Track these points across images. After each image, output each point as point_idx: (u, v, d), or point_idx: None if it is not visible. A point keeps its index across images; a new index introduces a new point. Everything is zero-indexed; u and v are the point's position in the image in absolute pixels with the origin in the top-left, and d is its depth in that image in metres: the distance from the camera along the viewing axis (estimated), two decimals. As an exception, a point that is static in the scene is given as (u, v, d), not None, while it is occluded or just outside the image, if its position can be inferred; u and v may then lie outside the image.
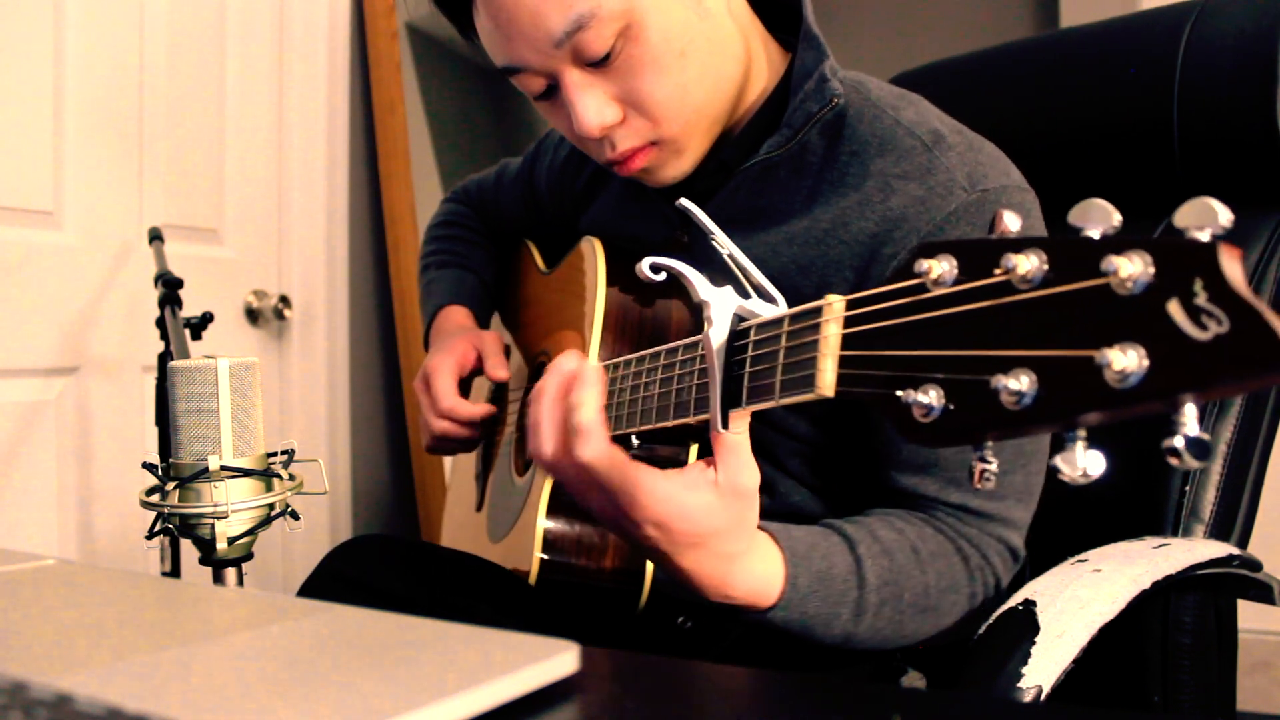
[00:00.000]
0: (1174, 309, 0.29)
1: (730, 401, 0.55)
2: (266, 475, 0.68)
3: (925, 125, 0.79)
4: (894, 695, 0.51)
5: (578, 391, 0.60)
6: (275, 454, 0.70)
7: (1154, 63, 0.99)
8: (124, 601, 0.50)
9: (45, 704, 0.31)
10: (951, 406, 0.37)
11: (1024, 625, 0.67)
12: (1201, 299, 0.29)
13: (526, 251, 1.14)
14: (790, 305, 0.54)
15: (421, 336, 1.16)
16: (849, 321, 0.45)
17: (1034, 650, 0.65)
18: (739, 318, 0.56)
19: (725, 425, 0.56)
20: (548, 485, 0.80)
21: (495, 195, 1.20)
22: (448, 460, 1.89)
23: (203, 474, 0.65)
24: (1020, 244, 0.35)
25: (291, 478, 0.70)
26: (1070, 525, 0.97)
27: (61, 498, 1.49)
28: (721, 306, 0.56)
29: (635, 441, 0.75)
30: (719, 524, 0.60)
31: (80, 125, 1.49)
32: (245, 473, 0.66)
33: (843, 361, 0.45)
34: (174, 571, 1.05)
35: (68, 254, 1.48)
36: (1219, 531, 0.90)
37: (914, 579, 0.71)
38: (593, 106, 0.76)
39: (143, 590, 0.53)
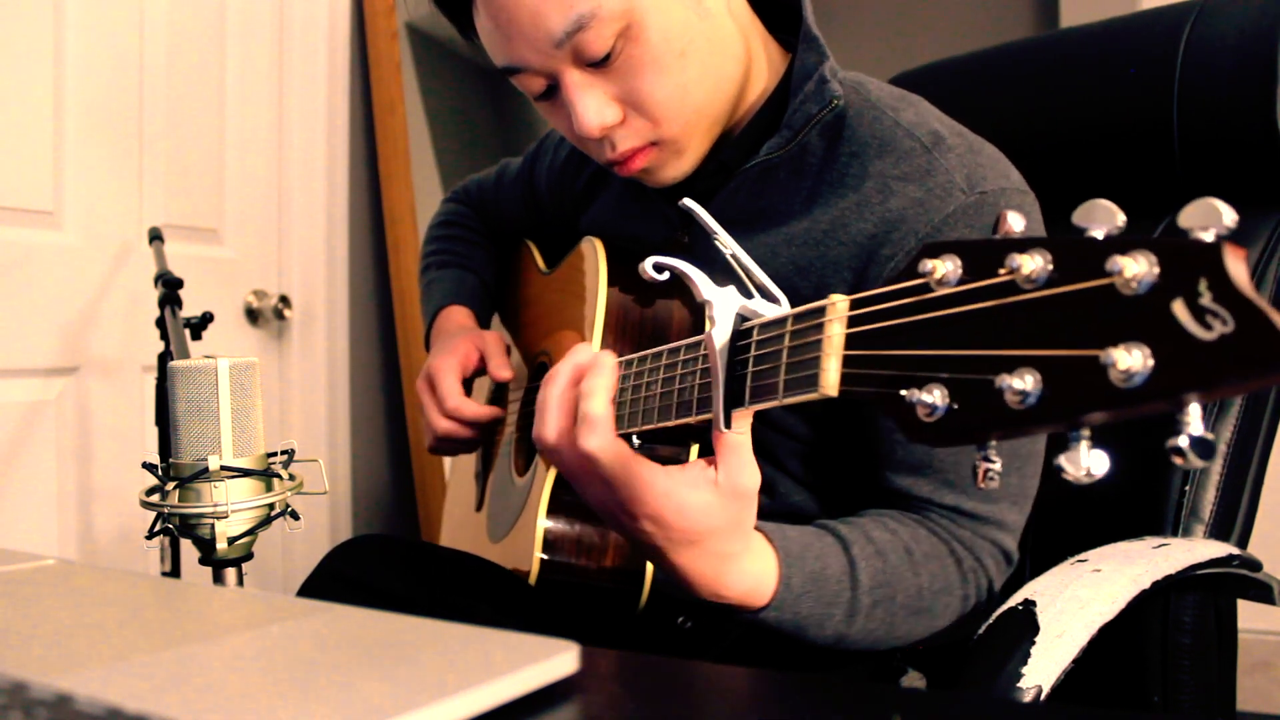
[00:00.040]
0: (1179, 309, 0.29)
1: (733, 401, 0.55)
2: (266, 475, 0.68)
3: (925, 127, 0.79)
4: (894, 695, 0.51)
5: (590, 380, 0.60)
6: (275, 454, 0.70)
7: (1154, 63, 0.99)
8: (124, 601, 0.50)
9: (45, 704, 0.30)
10: (956, 406, 0.36)
11: (1024, 625, 0.67)
12: (1206, 299, 0.29)
13: (527, 251, 1.14)
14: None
15: (422, 336, 1.16)
16: (853, 321, 0.45)
17: (1034, 650, 0.65)
18: (742, 317, 0.56)
19: (728, 425, 0.56)
20: (548, 485, 0.80)
21: (495, 195, 1.20)
22: (447, 460, 1.89)
23: (203, 474, 0.65)
24: (1025, 244, 0.34)
25: (291, 478, 0.70)
26: (1070, 525, 0.97)
27: (61, 498, 1.49)
28: (724, 306, 0.56)
29: (636, 441, 0.75)
30: (716, 523, 0.60)
31: (80, 125, 1.49)
32: (245, 473, 0.66)
33: (847, 361, 0.45)
34: (174, 571, 1.05)
35: (68, 254, 1.48)
36: (1219, 531, 0.90)
37: (907, 580, 0.71)
38: (593, 107, 0.76)
39: (143, 590, 0.53)
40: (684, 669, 0.46)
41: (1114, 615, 0.69)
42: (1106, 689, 0.87)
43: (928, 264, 0.38)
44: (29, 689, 0.32)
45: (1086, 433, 0.33)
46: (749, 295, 0.57)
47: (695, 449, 0.78)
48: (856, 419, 0.79)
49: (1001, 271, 0.35)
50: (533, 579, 0.78)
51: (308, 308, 1.93)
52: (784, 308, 0.56)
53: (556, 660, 0.39)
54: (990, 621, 0.70)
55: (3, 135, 1.39)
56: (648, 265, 0.60)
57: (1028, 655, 0.65)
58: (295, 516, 0.70)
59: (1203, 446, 0.30)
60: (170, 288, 1.05)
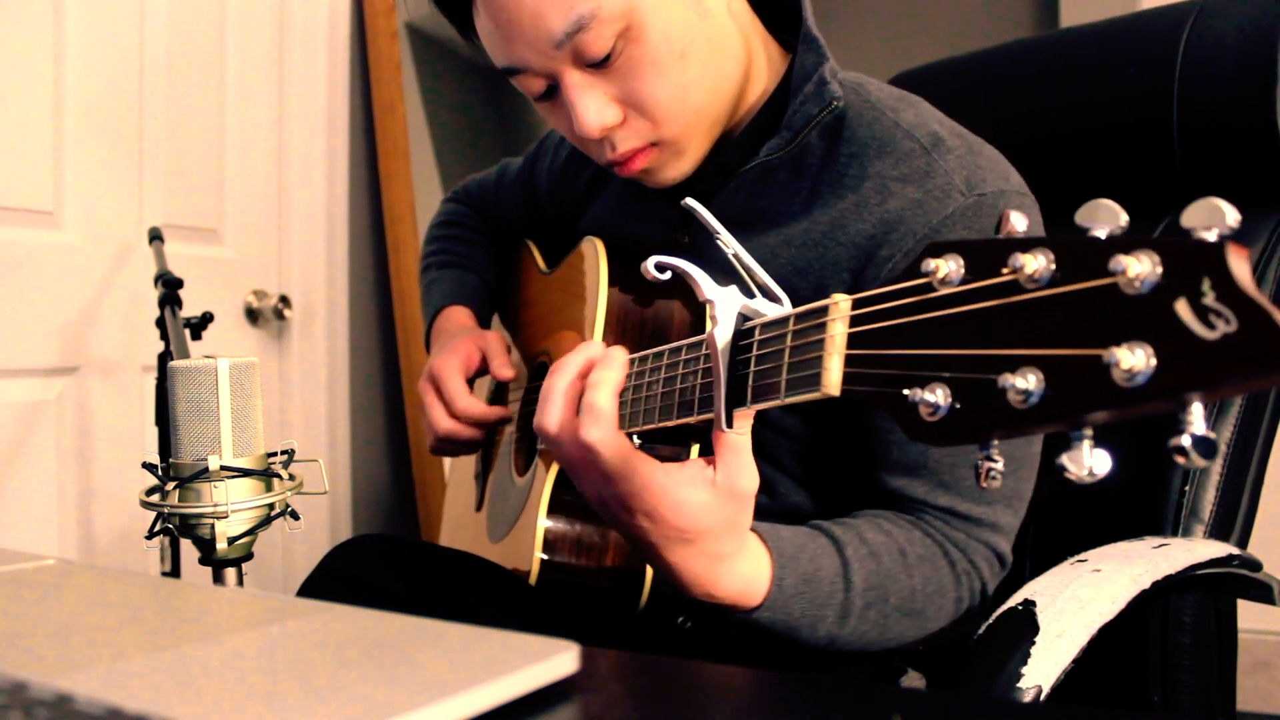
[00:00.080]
0: (1182, 308, 0.29)
1: (735, 400, 0.55)
2: (266, 475, 0.68)
3: (924, 128, 0.79)
4: (894, 695, 0.51)
5: (599, 371, 0.60)
6: (275, 454, 0.70)
7: (1154, 63, 0.99)
8: (124, 601, 0.50)
9: (45, 704, 0.30)
10: (958, 405, 0.36)
11: (1024, 625, 0.67)
12: (1209, 299, 0.29)
13: (527, 251, 1.14)
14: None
15: (422, 336, 1.16)
16: (855, 320, 0.45)
17: (1034, 650, 0.65)
18: (743, 317, 0.56)
19: (730, 424, 0.56)
20: (548, 485, 0.80)
21: (496, 195, 1.20)
22: (447, 460, 1.89)
23: (203, 474, 0.65)
24: (1028, 244, 0.34)
25: (291, 478, 0.70)
26: (1070, 525, 0.97)
27: (61, 498, 1.49)
28: (726, 305, 0.56)
29: (637, 441, 0.75)
30: (711, 523, 0.60)
31: (80, 125, 1.49)
32: (245, 473, 0.66)
33: (849, 360, 0.45)
34: (174, 571, 1.05)
35: (68, 254, 1.48)
36: (1219, 531, 0.90)
37: (900, 582, 0.71)
38: (593, 108, 0.76)
39: (143, 590, 0.53)
40: (684, 669, 0.46)
41: (1114, 615, 0.69)
42: (1106, 689, 0.87)
43: (930, 263, 0.38)
44: (29, 689, 0.32)
45: (1089, 432, 0.33)
46: (750, 295, 0.57)
47: (695, 449, 0.78)
48: (853, 419, 0.79)
49: (1004, 271, 0.35)
50: (533, 579, 0.78)
51: (308, 308, 1.93)
52: (786, 307, 0.56)
53: (556, 660, 0.39)
54: (990, 621, 0.70)
55: (3, 135, 1.39)
56: (650, 265, 0.60)
57: (1028, 655, 0.65)
58: (295, 516, 0.70)
59: (1205, 446, 0.30)
60: (170, 288, 1.05)
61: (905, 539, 0.73)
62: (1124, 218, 0.33)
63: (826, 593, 0.68)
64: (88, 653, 0.40)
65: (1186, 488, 0.91)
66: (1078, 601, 0.69)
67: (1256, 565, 0.84)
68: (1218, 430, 0.92)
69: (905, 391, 0.39)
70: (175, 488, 0.65)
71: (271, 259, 1.89)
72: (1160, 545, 0.81)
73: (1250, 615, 1.03)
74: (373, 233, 2.07)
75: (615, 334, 0.83)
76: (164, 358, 1.09)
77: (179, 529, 0.66)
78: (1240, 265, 0.29)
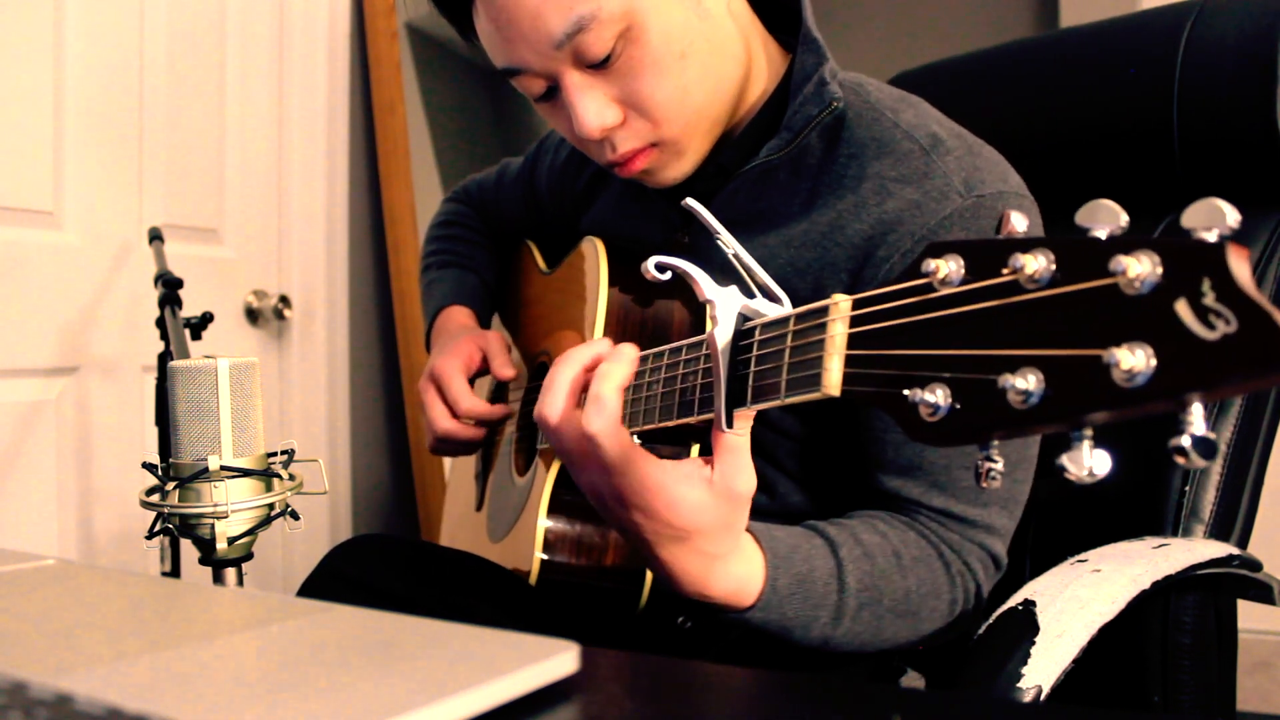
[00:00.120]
0: (1182, 309, 0.29)
1: (735, 400, 0.55)
2: (266, 475, 0.68)
3: (924, 129, 0.79)
4: (894, 695, 0.51)
5: (607, 364, 0.60)
6: (275, 454, 0.70)
7: (1154, 63, 0.99)
8: (124, 601, 0.50)
9: (45, 704, 0.30)
10: (958, 406, 0.36)
11: (1024, 625, 0.67)
12: (1210, 299, 0.29)
13: (527, 251, 1.14)
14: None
15: (422, 336, 1.16)
16: (855, 321, 0.45)
17: (1034, 650, 0.65)
18: (744, 317, 0.56)
19: (730, 424, 0.56)
20: (548, 485, 0.80)
21: (496, 195, 1.20)
22: (448, 460, 1.89)
23: (203, 474, 0.65)
24: (1028, 244, 0.34)
25: (291, 478, 0.70)
26: (1070, 525, 0.97)
27: (61, 498, 1.49)
28: (727, 305, 0.56)
29: (636, 441, 0.75)
30: (706, 522, 0.60)
31: (80, 125, 1.49)
32: (245, 473, 0.66)
33: (849, 361, 0.45)
34: (174, 571, 1.05)
35: (68, 254, 1.48)
36: (1219, 531, 0.90)
37: (895, 584, 0.71)
38: (593, 108, 0.76)
39: (143, 590, 0.53)
40: (684, 669, 0.46)
41: (1114, 615, 0.69)
42: (1106, 689, 0.87)
43: (930, 264, 0.38)
44: (29, 689, 0.32)
45: (1089, 432, 0.33)
46: (750, 295, 0.57)
47: (695, 449, 0.78)
48: (850, 419, 0.79)
49: (1005, 271, 0.35)
50: (533, 579, 0.78)
51: (308, 308, 1.93)
52: (786, 307, 0.56)
53: (556, 660, 0.39)
54: (990, 621, 0.70)
55: (3, 135, 1.39)
56: (650, 265, 0.60)
57: (1028, 655, 0.65)
58: (295, 516, 0.70)
59: (1205, 446, 0.30)
60: (170, 288, 1.05)
61: (900, 540, 0.73)
62: (1124, 218, 0.33)
63: (820, 594, 0.68)
64: (88, 653, 0.40)
65: (1186, 488, 0.91)
66: (1078, 601, 0.69)
67: (1256, 565, 0.84)
68: (1218, 430, 0.92)
69: (905, 392, 0.39)
70: (175, 488, 0.65)
71: (271, 259, 1.89)
72: (1160, 545, 0.81)
73: (1250, 615, 1.03)
74: (373, 233, 2.07)
75: (615, 334, 0.83)
76: (164, 358, 1.09)
77: (179, 529, 0.66)
78: (1240, 265, 0.29)
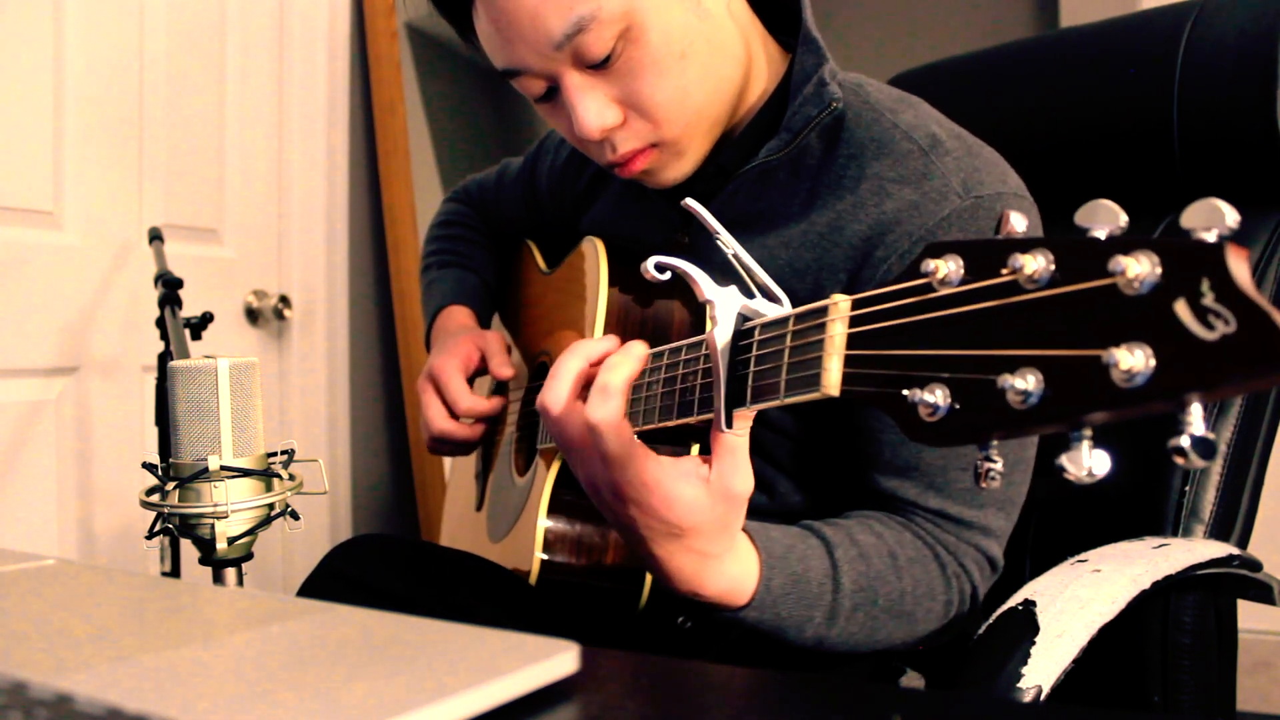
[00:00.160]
0: (1181, 309, 0.29)
1: (735, 401, 0.55)
2: (266, 475, 0.68)
3: (923, 129, 0.79)
4: (894, 695, 0.51)
5: (617, 356, 0.60)
6: (275, 454, 0.70)
7: (1154, 63, 0.99)
8: (124, 601, 0.50)
9: (45, 704, 0.30)
10: (957, 406, 0.36)
11: (1024, 625, 0.67)
12: (1209, 299, 0.29)
13: (527, 251, 1.14)
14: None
15: (422, 336, 1.16)
16: (855, 321, 0.45)
17: (1034, 650, 0.65)
18: (743, 317, 0.56)
19: (729, 425, 0.56)
20: (548, 485, 0.80)
21: (496, 195, 1.20)
22: (447, 460, 1.89)
23: (203, 474, 0.65)
24: (1027, 244, 0.34)
25: (291, 478, 0.70)
26: (1070, 525, 0.97)
27: (61, 498, 1.49)
28: (726, 306, 0.56)
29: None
30: (701, 520, 0.60)
31: (80, 125, 1.49)
32: (245, 473, 0.66)
33: (848, 361, 0.45)
34: (174, 571, 1.05)
35: (68, 254, 1.48)
36: (1219, 531, 0.90)
37: (890, 584, 0.71)
38: (593, 109, 0.75)
39: (143, 590, 0.53)
40: (684, 669, 0.46)
41: (1114, 615, 0.69)
42: (1106, 689, 0.87)
43: (930, 264, 0.38)
44: (29, 689, 0.32)
45: (1088, 432, 0.33)
46: (750, 295, 0.57)
47: (695, 449, 0.78)
48: (848, 419, 0.79)
49: (1004, 271, 0.35)
50: (533, 579, 0.78)
51: (308, 308, 1.93)
52: (785, 308, 0.56)
53: (556, 660, 0.39)
54: (990, 621, 0.70)
55: (3, 135, 1.39)
56: (649, 265, 0.60)
57: (1028, 655, 0.65)
58: (295, 516, 0.70)
59: (1204, 446, 0.30)
60: (170, 288, 1.05)
61: (896, 541, 0.73)
62: (1123, 218, 0.33)
63: (815, 594, 0.68)
64: (88, 653, 0.40)
65: (1186, 488, 0.91)
66: (1078, 601, 0.69)
67: (1257, 565, 0.84)
68: (1218, 430, 0.92)
69: (905, 392, 0.39)
70: (175, 488, 0.65)
71: (271, 259, 1.89)
72: (1160, 545, 0.81)
73: (1250, 615, 1.03)
74: (373, 233, 2.07)
75: (615, 334, 0.82)
76: (164, 358, 1.09)
77: (179, 529, 0.66)
78: (1239, 266, 0.29)
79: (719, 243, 0.60)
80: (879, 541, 0.72)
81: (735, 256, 0.59)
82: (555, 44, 0.72)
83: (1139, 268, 0.30)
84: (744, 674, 0.45)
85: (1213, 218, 0.30)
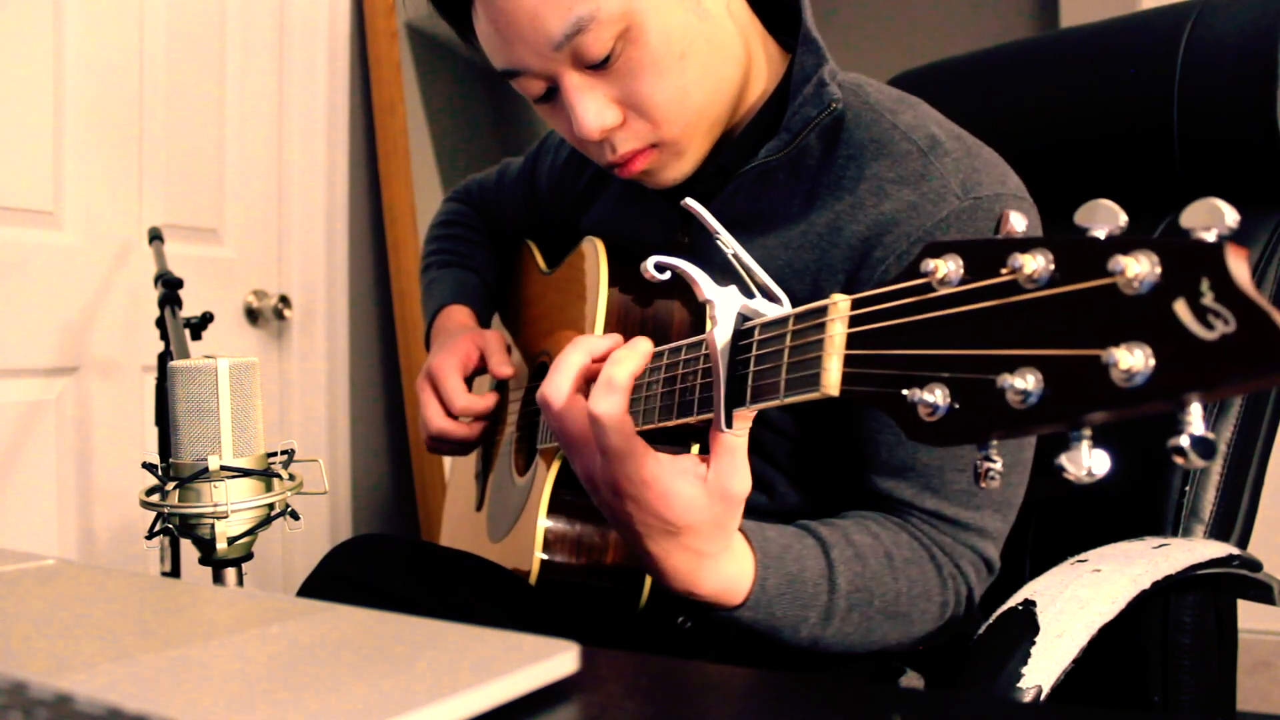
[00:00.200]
0: (1180, 309, 0.29)
1: (734, 400, 0.55)
2: (266, 475, 0.68)
3: (922, 130, 0.79)
4: (894, 695, 0.51)
5: (623, 351, 0.60)
6: (275, 454, 0.70)
7: (1154, 63, 0.99)
8: (124, 601, 0.50)
9: (45, 704, 0.30)
10: (957, 406, 0.36)
11: (1024, 625, 0.67)
12: (1208, 299, 0.29)
13: (527, 251, 1.14)
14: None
15: (422, 336, 1.16)
16: (854, 321, 0.45)
17: (1034, 650, 0.65)
18: (743, 317, 0.56)
19: (729, 425, 0.56)
20: (548, 485, 0.80)
21: (496, 195, 1.20)
22: (447, 460, 1.89)
23: (203, 474, 0.65)
24: (1027, 244, 0.34)
25: (291, 478, 0.70)
26: (1070, 525, 0.97)
27: (61, 498, 1.49)
28: (726, 305, 0.56)
29: None
30: (697, 519, 0.60)
31: (80, 125, 1.49)
32: (245, 473, 0.66)
33: (848, 360, 0.45)
34: (174, 571, 1.05)
35: (68, 254, 1.48)
36: (1219, 531, 0.90)
37: (885, 585, 0.71)
38: (592, 109, 0.75)
39: (143, 590, 0.53)
40: (684, 669, 0.46)
41: (1114, 615, 0.69)
42: (1106, 689, 0.87)
43: (930, 263, 0.38)
44: (29, 689, 0.32)
45: (1088, 432, 0.33)
46: (750, 295, 0.57)
47: (695, 449, 0.78)
48: (845, 419, 0.79)
49: (1003, 271, 0.35)
50: (533, 579, 0.78)
51: (308, 308, 1.93)
52: (785, 307, 0.56)
53: (556, 660, 0.39)
54: (990, 621, 0.70)
55: (3, 135, 1.39)
56: (649, 265, 0.60)
57: (1028, 655, 0.65)
58: (295, 516, 0.70)
59: (1204, 446, 0.30)
60: (170, 288, 1.05)
61: (892, 541, 0.73)
62: (1123, 218, 0.33)
63: (810, 594, 0.68)
64: (88, 653, 0.40)
65: (1186, 488, 0.91)
66: (1078, 601, 0.69)
67: (1257, 565, 0.84)
68: (1218, 430, 0.92)
69: (904, 392, 0.39)
70: (175, 488, 0.65)
71: (271, 259, 1.89)
72: (1160, 545, 0.81)
73: (1250, 615, 1.03)
74: (373, 233, 2.07)
75: (615, 333, 0.83)
76: (164, 358, 1.09)
77: (179, 529, 0.66)
78: (1239, 266, 0.29)
79: (719, 243, 0.60)
80: (875, 542, 0.72)
81: (735, 256, 0.59)
82: (554, 44, 0.72)
83: (1138, 267, 0.30)
84: (744, 674, 0.45)
85: (1212, 217, 0.30)
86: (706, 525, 0.60)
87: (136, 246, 1.58)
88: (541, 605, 0.80)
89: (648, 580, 0.78)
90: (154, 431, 1.17)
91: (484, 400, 0.96)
